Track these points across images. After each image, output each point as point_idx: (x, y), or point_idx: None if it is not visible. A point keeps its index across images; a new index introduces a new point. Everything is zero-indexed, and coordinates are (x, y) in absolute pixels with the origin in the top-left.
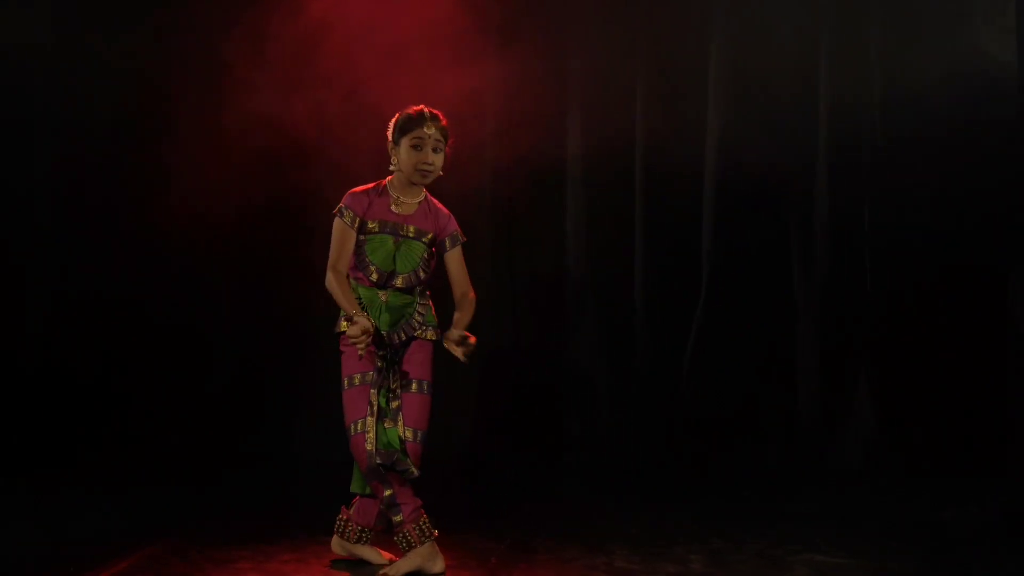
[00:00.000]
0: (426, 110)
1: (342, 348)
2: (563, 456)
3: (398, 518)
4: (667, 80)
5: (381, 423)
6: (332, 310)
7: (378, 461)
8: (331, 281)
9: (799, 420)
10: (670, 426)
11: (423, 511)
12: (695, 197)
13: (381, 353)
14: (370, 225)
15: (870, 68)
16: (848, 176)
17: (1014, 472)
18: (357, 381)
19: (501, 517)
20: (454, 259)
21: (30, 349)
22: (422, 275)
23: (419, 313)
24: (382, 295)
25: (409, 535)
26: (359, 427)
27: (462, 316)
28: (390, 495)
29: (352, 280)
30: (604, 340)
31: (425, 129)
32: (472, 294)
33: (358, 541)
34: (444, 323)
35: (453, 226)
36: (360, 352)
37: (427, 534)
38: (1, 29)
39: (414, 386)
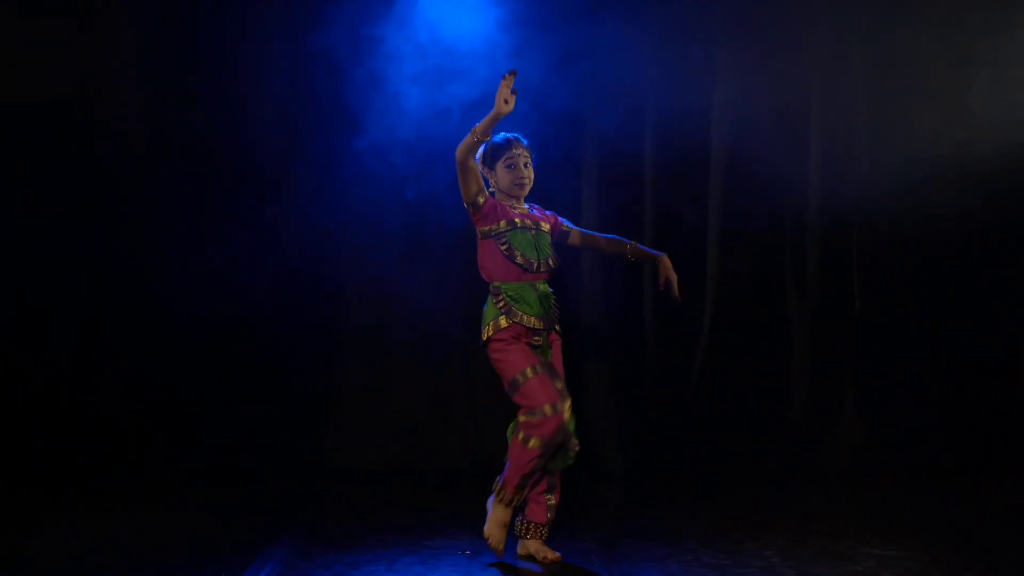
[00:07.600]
0: (509, 135)
1: (495, 356)
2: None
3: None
4: (674, 115)
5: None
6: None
7: (561, 440)
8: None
9: (793, 429)
10: (678, 442)
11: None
12: (701, 228)
13: (538, 340)
14: (502, 225)
15: (859, 109)
16: (837, 214)
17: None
18: (537, 371)
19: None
20: (577, 233)
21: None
22: (559, 261)
23: (556, 306)
24: (536, 286)
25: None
26: (551, 409)
27: (627, 244)
28: (551, 480)
29: (499, 282)
30: (615, 359)
31: (514, 150)
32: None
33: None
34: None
35: (556, 216)
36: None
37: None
38: None
39: (560, 384)
